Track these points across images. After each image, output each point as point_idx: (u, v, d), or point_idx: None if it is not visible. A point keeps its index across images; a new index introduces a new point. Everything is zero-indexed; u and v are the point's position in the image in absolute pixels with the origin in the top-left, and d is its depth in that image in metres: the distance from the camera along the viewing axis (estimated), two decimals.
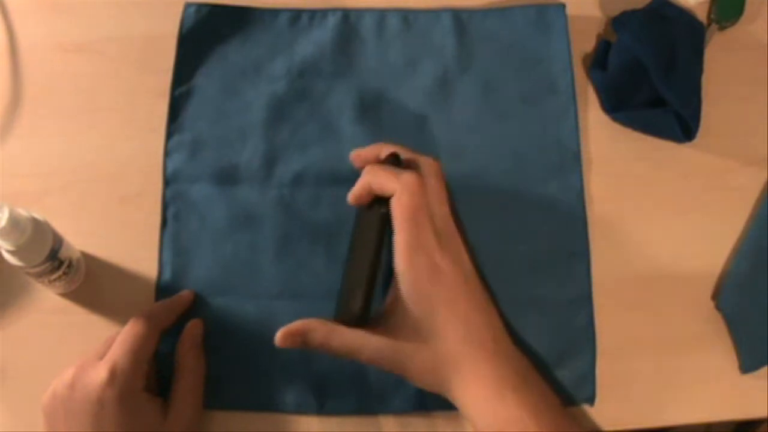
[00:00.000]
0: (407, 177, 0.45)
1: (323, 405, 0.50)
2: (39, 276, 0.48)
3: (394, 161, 0.48)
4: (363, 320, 0.45)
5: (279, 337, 0.45)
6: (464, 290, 0.45)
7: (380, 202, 0.46)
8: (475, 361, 0.44)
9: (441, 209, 0.46)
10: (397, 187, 0.45)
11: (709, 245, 0.54)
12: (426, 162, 0.48)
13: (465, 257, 0.47)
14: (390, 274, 0.46)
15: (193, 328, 0.50)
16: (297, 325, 0.45)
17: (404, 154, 0.49)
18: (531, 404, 0.43)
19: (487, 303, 0.46)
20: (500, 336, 0.46)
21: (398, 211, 0.45)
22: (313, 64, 0.57)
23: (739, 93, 0.58)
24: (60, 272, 0.48)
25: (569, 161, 0.55)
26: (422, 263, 0.44)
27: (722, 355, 0.52)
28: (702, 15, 0.60)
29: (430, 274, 0.44)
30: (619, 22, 0.57)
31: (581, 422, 0.50)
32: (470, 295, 0.46)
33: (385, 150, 0.49)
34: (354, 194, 0.47)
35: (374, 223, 0.46)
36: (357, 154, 0.50)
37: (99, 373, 0.44)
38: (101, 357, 0.46)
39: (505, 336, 0.46)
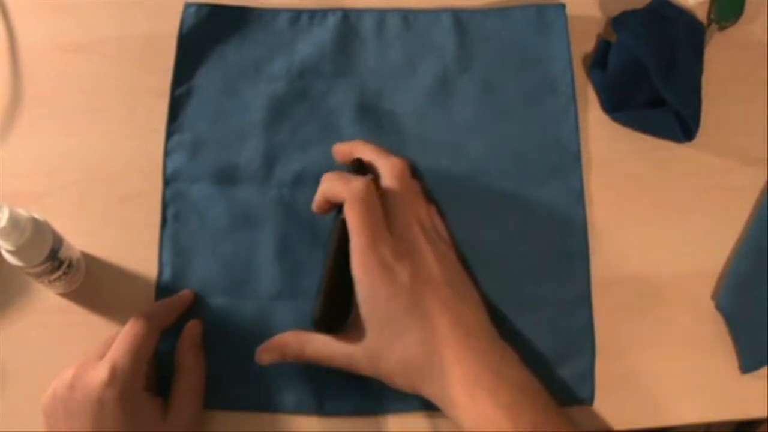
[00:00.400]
0: (355, 184, 0.46)
1: (323, 405, 0.50)
2: (39, 276, 0.48)
3: (358, 166, 0.49)
4: (327, 326, 0.46)
5: (259, 355, 0.47)
6: (425, 290, 0.45)
7: (341, 210, 0.47)
8: (441, 361, 0.43)
9: (400, 211, 0.47)
10: (346, 195, 0.46)
11: (709, 245, 0.54)
12: (387, 163, 0.49)
13: (427, 256, 0.46)
14: None
15: (193, 328, 0.50)
16: (273, 341, 0.48)
17: (370, 155, 0.50)
18: (506, 404, 0.42)
19: (456, 298, 0.45)
20: (474, 332, 0.45)
21: (349, 218, 0.45)
22: (313, 64, 0.57)
23: (739, 93, 0.58)
24: (60, 272, 0.48)
25: (569, 161, 0.55)
26: (375, 267, 0.44)
27: (722, 355, 0.52)
28: (702, 15, 0.60)
29: (384, 278, 0.44)
30: (619, 22, 0.57)
31: (579, 421, 0.50)
32: (433, 293, 0.45)
33: (357, 150, 0.50)
34: (315, 203, 0.49)
35: (336, 227, 0.47)
36: (338, 150, 0.52)
37: (99, 373, 0.44)
38: (101, 357, 0.46)
39: (482, 331, 0.46)
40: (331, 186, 0.47)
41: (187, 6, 0.58)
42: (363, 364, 0.46)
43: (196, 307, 0.51)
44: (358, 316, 0.46)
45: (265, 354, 0.48)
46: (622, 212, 0.55)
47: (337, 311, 0.46)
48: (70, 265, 0.49)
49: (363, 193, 0.46)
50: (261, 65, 0.57)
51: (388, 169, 0.49)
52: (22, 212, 0.44)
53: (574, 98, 0.57)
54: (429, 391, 0.45)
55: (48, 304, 0.52)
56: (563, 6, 0.59)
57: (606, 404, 0.50)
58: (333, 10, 0.59)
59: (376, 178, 0.49)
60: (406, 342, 0.44)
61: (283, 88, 0.57)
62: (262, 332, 0.51)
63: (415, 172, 0.53)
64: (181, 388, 0.47)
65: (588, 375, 0.50)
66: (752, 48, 0.60)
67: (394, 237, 0.46)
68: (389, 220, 0.47)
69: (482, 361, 0.44)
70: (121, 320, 0.49)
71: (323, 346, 0.46)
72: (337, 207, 0.48)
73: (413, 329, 0.44)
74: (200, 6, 0.58)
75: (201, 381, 0.49)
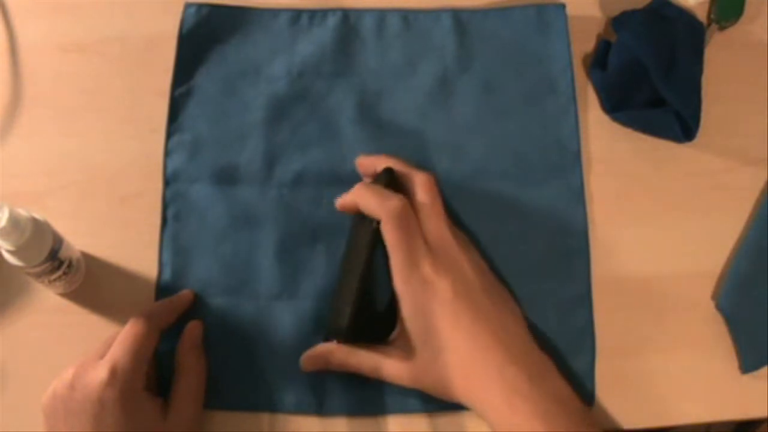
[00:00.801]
0: (392, 203, 0.47)
1: (323, 405, 0.50)
2: (39, 276, 0.48)
3: (388, 176, 0.49)
4: (351, 336, 0.46)
5: (303, 361, 0.49)
6: (465, 301, 0.46)
7: (364, 217, 0.48)
8: (483, 370, 0.44)
9: (433, 224, 0.48)
10: (382, 214, 0.46)
11: (709, 245, 0.54)
12: (419, 178, 0.50)
13: (465, 267, 0.47)
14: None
15: (193, 329, 0.50)
16: (317, 349, 0.48)
17: (399, 168, 0.50)
18: (542, 411, 0.43)
19: (494, 308, 0.47)
20: (512, 341, 0.46)
21: (387, 237, 0.46)
22: (313, 64, 0.57)
23: (739, 93, 0.58)
24: (60, 272, 0.48)
25: (569, 161, 0.55)
26: (417, 282, 0.46)
27: (722, 355, 0.52)
28: (702, 15, 0.60)
29: (426, 292, 0.46)
30: (619, 22, 0.57)
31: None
32: (472, 304, 0.46)
33: (381, 164, 0.51)
34: (342, 204, 0.50)
35: (365, 235, 0.47)
36: (360, 163, 0.53)
37: (99, 373, 0.44)
38: (101, 357, 0.46)
39: (520, 340, 0.46)
40: (367, 202, 0.48)
41: (187, 6, 0.58)
42: (406, 377, 0.46)
43: (196, 307, 0.51)
44: (400, 329, 0.47)
45: (309, 362, 0.49)
46: (622, 212, 0.55)
47: (359, 320, 0.46)
48: (70, 265, 0.49)
49: (401, 211, 0.47)
50: (261, 65, 0.57)
51: (419, 183, 0.50)
52: (22, 212, 0.44)
53: (574, 98, 0.57)
54: (471, 401, 0.45)
55: (48, 304, 0.52)
56: (563, 6, 0.59)
57: (606, 404, 0.50)
58: (333, 10, 0.59)
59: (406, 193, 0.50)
60: (450, 355, 0.45)
61: (283, 88, 0.57)
62: (262, 332, 0.51)
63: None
64: (181, 388, 0.47)
65: (588, 375, 0.50)
66: (752, 48, 0.60)
67: (431, 251, 0.46)
68: (424, 234, 0.48)
69: (522, 370, 0.44)
70: (121, 320, 0.49)
71: (369, 360, 0.47)
72: (362, 214, 0.49)
73: (456, 341, 0.45)
74: (200, 6, 0.58)
75: (201, 381, 0.49)
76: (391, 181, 0.50)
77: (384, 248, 0.47)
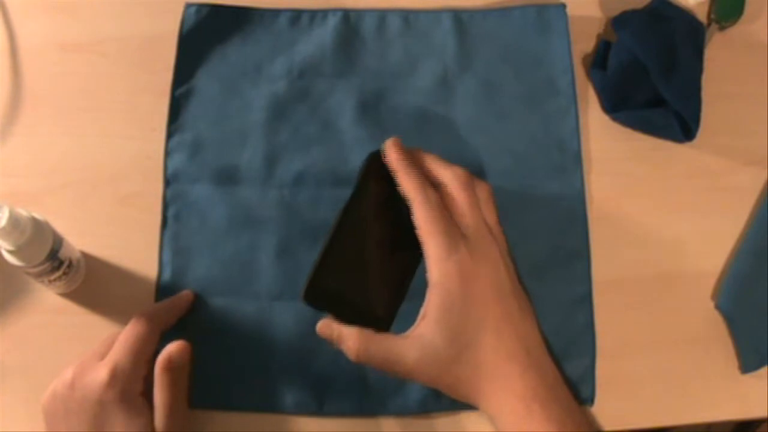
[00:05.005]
0: (431, 192, 0.45)
1: (323, 405, 0.50)
2: (39, 276, 0.48)
3: (373, 162, 0.48)
4: (313, 289, 0.44)
5: (321, 324, 0.45)
6: (496, 299, 0.45)
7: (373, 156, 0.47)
8: (506, 373, 0.44)
9: (470, 216, 0.46)
10: (414, 196, 0.45)
11: (709, 245, 0.54)
12: (451, 172, 0.47)
13: (499, 263, 0.46)
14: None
15: (174, 351, 0.47)
16: (345, 332, 0.45)
17: (432, 164, 0.48)
18: (558, 420, 0.43)
19: (520, 312, 0.46)
20: (533, 347, 0.45)
21: (421, 223, 0.45)
22: (314, 64, 0.57)
23: (739, 93, 0.58)
24: (60, 272, 0.48)
25: (570, 161, 0.55)
26: (453, 272, 0.44)
27: (722, 355, 0.52)
28: (702, 15, 0.60)
29: (462, 283, 0.44)
30: (619, 22, 0.57)
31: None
32: (502, 304, 0.45)
33: (418, 157, 0.48)
34: (390, 155, 0.47)
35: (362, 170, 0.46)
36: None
37: (99, 374, 0.44)
38: (101, 357, 0.46)
39: (539, 346, 0.46)
40: (405, 182, 0.46)
41: (188, 6, 0.58)
42: (426, 374, 0.44)
43: (196, 307, 0.51)
44: (425, 324, 0.44)
45: (325, 328, 0.45)
46: (622, 212, 0.55)
47: (340, 277, 0.45)
48: (70, 265, 0.49)
49: (437, 202, 0.45)
50: (261, 65, 0.57)
51: (454, 178, 0.47)
52: (22, 212, 0.44)
53: (574, 98, 0.57)
54: (486, 403, 0.44)
55: (48, 304, 0.52)
56: (563, 6, 0.59)
57: (606, 404, 0.50)
58: (333, 11, 0.59)
59: (440, 187, 0.48)
60: (474, 353, 0.44)
61: (283, 88, 0.57)
62: (262, 332, 0.51)
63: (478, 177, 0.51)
64: (156, 403, 0.46)
65: (588, 375, 0.50)
66: (752, 48, 0.60)
67: (468, 245, 0.45)
68: (461, 225, 0.46)
69: (540, 377, 0.44)
70: (121, 320, 0.49)
71: (390, 347, 0.44)
72: (371, 155, 0.47)
73: (481, 342, 0.44)
74: (200, 6, 0.58)
75: (176, 399, 0.47)
76: (375, 167, 0.47)
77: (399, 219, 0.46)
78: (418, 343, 0.44)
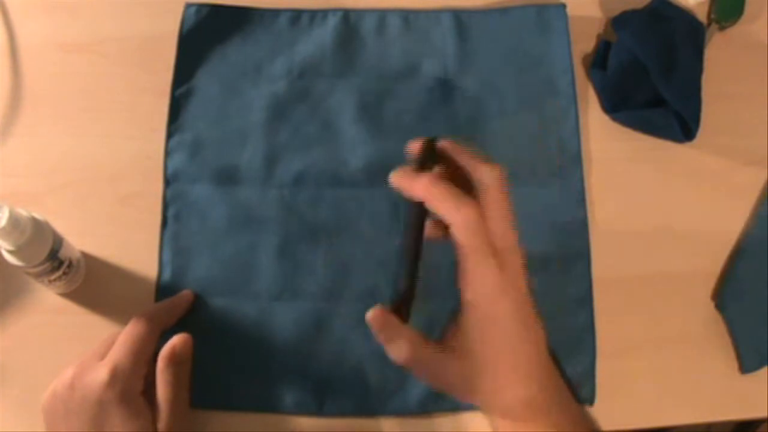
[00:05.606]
0: (467, 210, 0.43)
1: (323, 406, 0.50)
2: (39, 276, 0.48)
3: (429, 149, 0.45)
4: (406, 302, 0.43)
5: (375, 313, 0.43)
6: (521, 314, 0.44)
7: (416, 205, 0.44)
8: (525, 389, 0.43)
9: (502, 226, 0.44)
10: (455, 220, 0.43)
11: (709, 245, 0.54)
12: (489, 172, 0.45)
13: (521, 275, 0.45)
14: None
15: (177, 344, 0.47)
16: (405, 332, 0.43)
17: (466, 159, 0.46)
18: (560, 425, 0.42)
19: (536, 326, 0.44)
20: (545, 359, 0.45)
21: (460, 241, 0.43)
22: (314, 64, 0.57)
23: (739, 93, 0.58)
24: (60, 272, 0.48)
25: (570, 161, 0.55)
26: (489, 291, 0.43)
27: (722, 355, 0.52)
28: (702, 15, 0.60)
29: (492, 300, 0.43)
30: (619, 22, 0.57)
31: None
32: (525, 319, 0.44)
33: (452, 150, 0.46)
34: (401, 181, 0.44)
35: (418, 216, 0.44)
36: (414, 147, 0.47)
37: (99, 374, 0.44)
38: (101, 357, 0.46)
39: (549, 359, 0.45)
40: (439, 204, 0.43)
41: (188, 6, 0.58)
42: (460, 387, 0.44)
43: (196, 307, 0.51)
44: (456, 336, 0.44)
45: (376, 321, 0.43)
46: (622, 212, 0.55)
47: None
48: (70, 265, 0.49)
49: (477, 219, 0.43)
50: (261, 65, 0.57)
51: (492, 178, 0.45)
52: (22, 212, 0.44)
53: (574, 98, 0.57)
54: (499, 411, 0.44)
55: (48, 304, 0.52)
56: (563, 6, 0.59)
57: (606, 404, 0.50)
58: (333, 11, 0.59)
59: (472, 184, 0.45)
60: (500, 368, 0.43)
61: (283, 88, 0.57)
62: (262, 332, 0.51)
63: None
64: (160, 398, 0.46)
65: (589, 375, 0.50)
66: (752, 48, 0.60)
67: (498, 255, 0.43)
68: (491, 234, 0.44)
69: (552, 387, 0.44)
70: (121, 320, 0.49)
71: (433, 360, 0.43)
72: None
73: (508, 356, 0.43)
74: (200, 6, 0.58)
75: (179, 395, 0.47)
76: (431, 153, 0.46)
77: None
78: (459, 363, 0.43)
